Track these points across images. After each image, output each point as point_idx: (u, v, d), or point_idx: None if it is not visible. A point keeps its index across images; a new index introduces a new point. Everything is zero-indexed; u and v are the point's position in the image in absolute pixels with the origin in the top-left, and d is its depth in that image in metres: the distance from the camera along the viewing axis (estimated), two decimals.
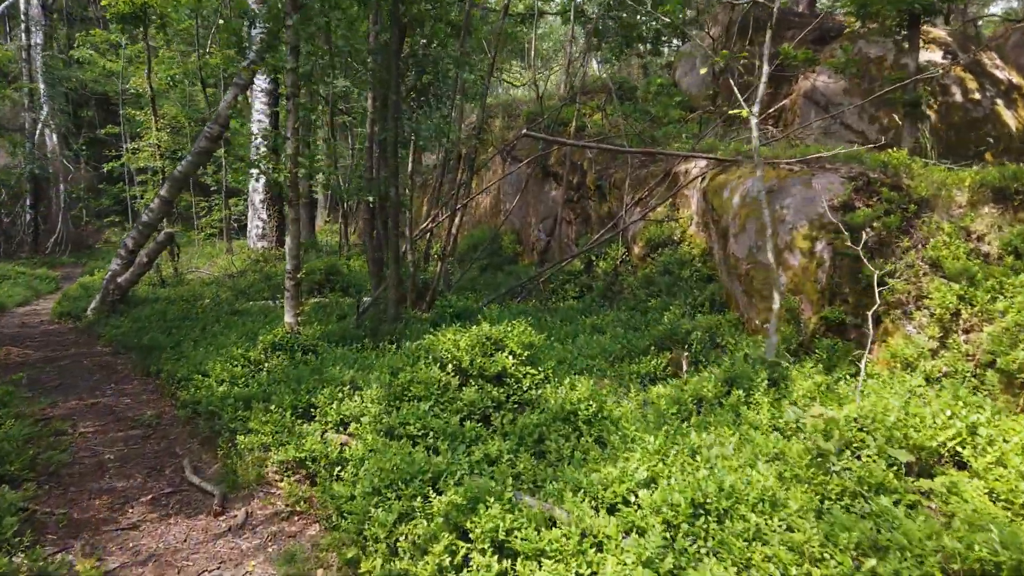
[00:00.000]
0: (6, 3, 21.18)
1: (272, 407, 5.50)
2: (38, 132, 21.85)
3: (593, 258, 11.22)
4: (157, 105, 19.63)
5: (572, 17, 16.60)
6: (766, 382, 5.18)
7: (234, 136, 15.90)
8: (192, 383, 6.71)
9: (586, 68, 15.16)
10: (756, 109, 6.15)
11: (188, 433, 6.10)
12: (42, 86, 21.03)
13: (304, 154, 10.15)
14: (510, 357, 4.89)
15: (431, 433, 4.49)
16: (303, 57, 11.41)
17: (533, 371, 4.90)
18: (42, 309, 14.27)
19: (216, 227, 20.16)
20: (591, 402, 4.62)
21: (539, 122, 14.86)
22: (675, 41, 19.29)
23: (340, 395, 5.55)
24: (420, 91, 8.72)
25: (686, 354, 6.59)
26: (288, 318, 7.43)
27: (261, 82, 17.35)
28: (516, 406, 4.74)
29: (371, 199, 9.54)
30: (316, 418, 5.37)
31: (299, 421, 5.40)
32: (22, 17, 20.27)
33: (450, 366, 4.86)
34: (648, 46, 18.84)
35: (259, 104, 17.38)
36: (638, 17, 17.50)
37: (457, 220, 10.56)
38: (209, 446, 5.74)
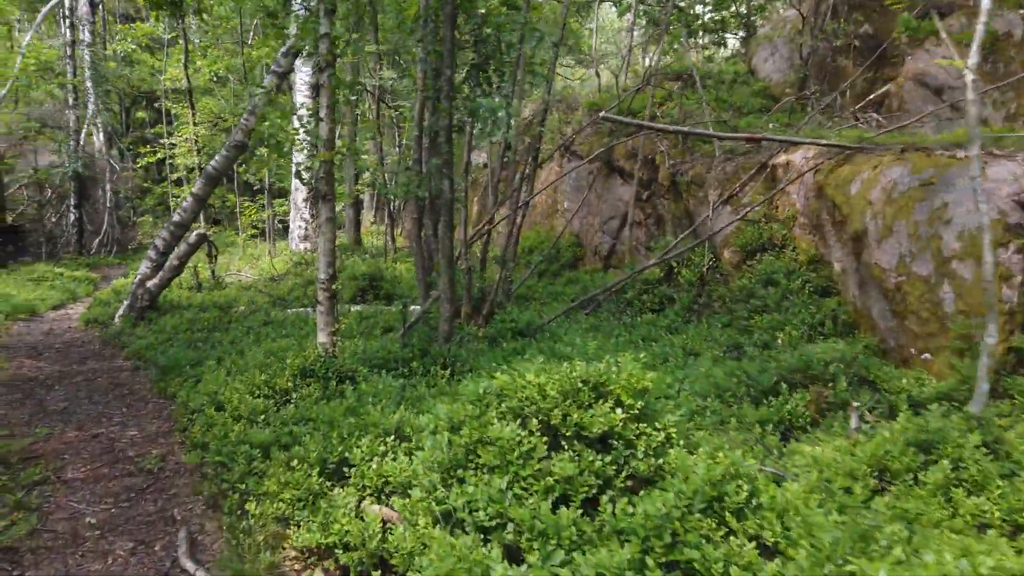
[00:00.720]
0: (52, 2, 20.68)
1: (295, 461, 4.17)
2: (84, 130, 21.29)
3: (674, 265, 9.67)
4: (197, 101, 18.79)
5: (634, 3, 15.07)
6: (980, 448, 3.63)
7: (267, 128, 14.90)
8: (204, 417, 5.45)
9: (654, 55, 13.63)
10: (973, 60, 4.47)
11: (193, 487, 4.82)
12: (88, 83, 20.45)
13: (345, 143, 8.90)
14: (617, 410, 3.47)
15: (510, 525, 3.09)
16: (347, 45, 10.17)
17: (650, 430, 3.47)
18: (74, 314, 13.39)
19: (259, 227, 19.20)
20: (740, 482, 3.16)
21: (607, 112, 13.36)
22: (739, 32, 17.59)
23: (382, 447, 4.19)
24: (477, 67, 7.34)
25: (826, 392, 5.04)
26: (321, 337, 6.12)
27: (303, 75, 16.27)
28: (630, 482, 3.32)
29: (420, 195, 8.21)
30: (350, 479, 4.02)
31: (328, 483, 4.06)
32: (66, 12, 19.68)
33: (534, 421, 3.46)
34: (712, 35, 17.21)
35: (301, 98, 16.29)
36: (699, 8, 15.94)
37: (519, 220, 9.15)
38: (215, 509, 4.44)
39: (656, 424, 3.61)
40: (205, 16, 13.94)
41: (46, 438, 5.87)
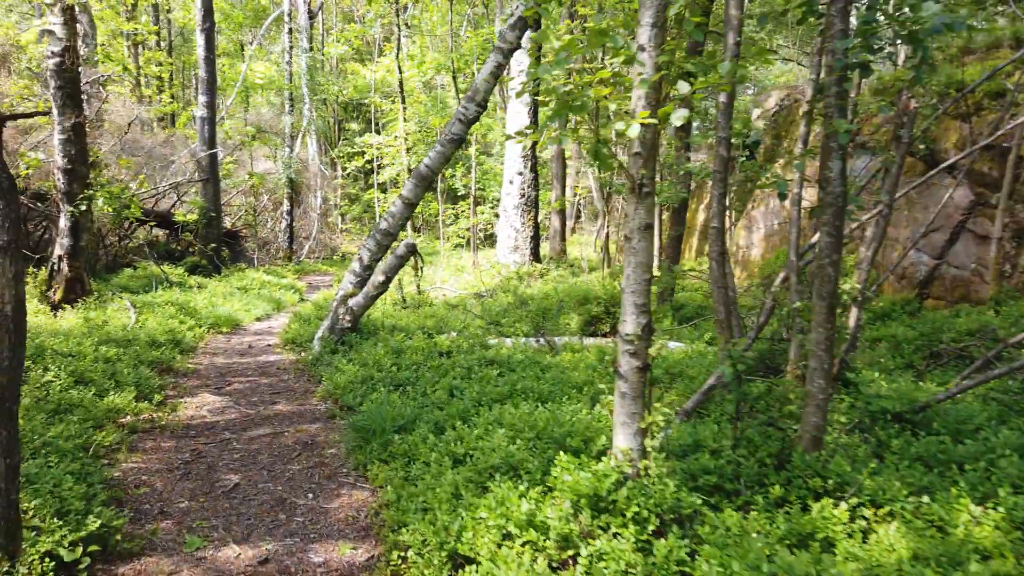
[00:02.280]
0: (276, 11, 20.74)
1: None
2: (300, 137, 21.10)
3: None
4: (407, 106, 17.42)
5: None
6: None
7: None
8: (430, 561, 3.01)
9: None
10: None
11: None
12: (304, 90, 20.19)
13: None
14: None
15: None
16: None
17: None
18: (277, 327, 12.19)
19: (463, 236, 17.46)
20: None
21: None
22: None
23: None
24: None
25: None
26: (622, 439, 3.40)
27: (522, 65, 14.15)
28: None
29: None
30: None
31: None
32: (286, 19, 19.45)
33: None
34: None
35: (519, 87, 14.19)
36: None
37: (877, 235, 5.92)
38: None
39: None
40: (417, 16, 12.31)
41: (195, 560, 3.78)
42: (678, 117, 3.01)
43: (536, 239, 14.26)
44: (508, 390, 5.87)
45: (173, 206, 17.57)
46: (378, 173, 18.61)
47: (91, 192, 10.30)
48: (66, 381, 6.16)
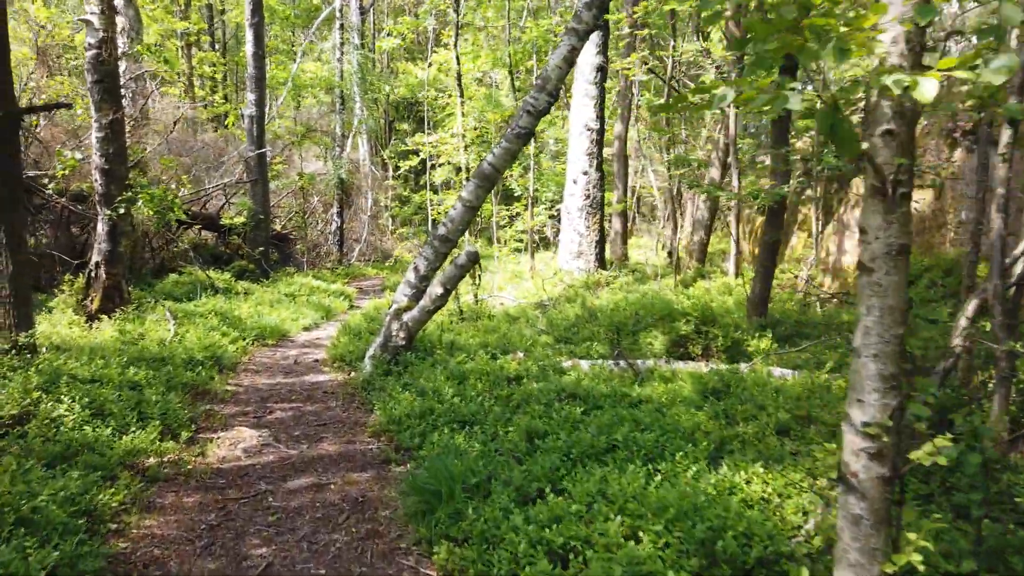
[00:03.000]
0: (328, 9, 19.99)
1: None
2: (351, 137, 20.31)
3: None
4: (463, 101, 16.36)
5: None
6: None
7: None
8: None
9: None
10: None
11: None
12: (355, 88, 19.38)
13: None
14: None
15: None
16: None
17: None
18: (325, 338, 11.26)
19: (520, 240, 16.32)
20: None
21: None
22: None
23: None
24: None
25: None
26: None
27: (587, 55, 12.94)
28: None
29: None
30: None
31: None
32: (338, 15, 18.66)
33: None
34: None
35: (584, 84, 12.97)
36: None
37: None
38: None
39: None
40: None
41: None
42: (1001, 67, 1.75)
43: (602, 244, 13.02)
44: (605, 442, 4.67)
45: (222, 208, 16.92)
46: (431, 173, 17.61)
47: (129, 194, 9.51)
48: (81, 416, 5.23)
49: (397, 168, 24.52)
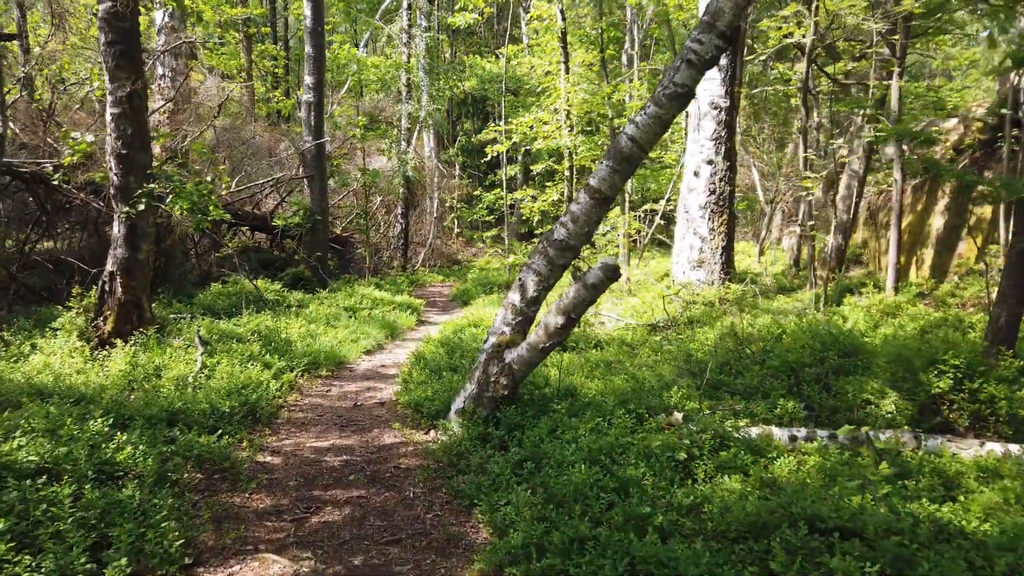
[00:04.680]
0: None
1: None
2: (416, 132, 18.12)
3: None
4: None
5: None
6: None
7: None
8: None
9: None
10: None
11: None
12: (422, 74, 17.16)
13: None
14: None
15: None
16: None
17: None
18: (391, 364, 8.96)
19: (617, 244, 13.67)
20: None
21: None
22: None
23: None
24: None
25: None
26: None
27: None
28: None
29: None
30: None
31: None
32: None
33: None
34: None
35: (708, 123, 10.21)
36: None
37: None
38: None
39: None
40: None
41: None
42: None
43: (729, 250, 10.32)
44: None
45: (277, 207, 14.89)
46: (506, 168, 15.18)
47: (153, 186, 7.36)
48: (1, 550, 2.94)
49: (465, 166, 22.30)
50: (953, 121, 14.21)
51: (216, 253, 11.78)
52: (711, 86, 10.08)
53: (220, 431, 5.29)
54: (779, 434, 4.94)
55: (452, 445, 5.12)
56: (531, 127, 8.40)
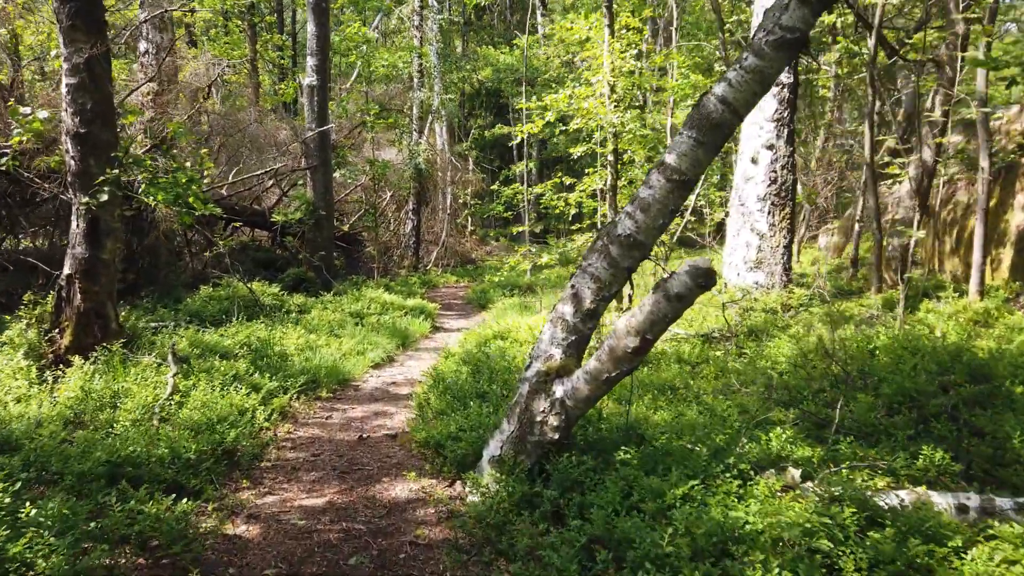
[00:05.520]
0: None
1: None
2: (428, 123, 16.78)
3: None
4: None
5: None
6: None
7: None
8: None
9: None
10: None
11: None
12: (434, 59, 15.82)
13: None
14: None
15: None
16: None
17: None
18: (403, 381, 7.63)
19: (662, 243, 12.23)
20: None
21: None
22: None
23: None
24: None
25: None
26: None
27: None
28: None
29: None
30: None
31: None
32: None
33: None
34: None
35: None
36: None
37: None
38: None
39: None
40: None
41: None
42: None
43: (790, 248, 8.92)
44: None
45: (278, 202, 13.59)
46: (528, 160, 13.79)
47: (116, 172, 6.04)
48: None
49: (477, 161, 20.98)
50: (1015, 109, 12.76)
51: (209, 252, 10.47)
52: None
53: (181, 488, 3.96)
54: (940, 502, 3.55)
55: (487, 510, 3.77)
56: (569, 100, 7.06)
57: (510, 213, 18.36)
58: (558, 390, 4.14)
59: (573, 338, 4.29)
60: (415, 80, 15.78)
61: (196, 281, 10.92)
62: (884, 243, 11.47)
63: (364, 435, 5.72)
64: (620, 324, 3.99)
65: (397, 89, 17.22)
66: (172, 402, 5.37)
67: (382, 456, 5.17)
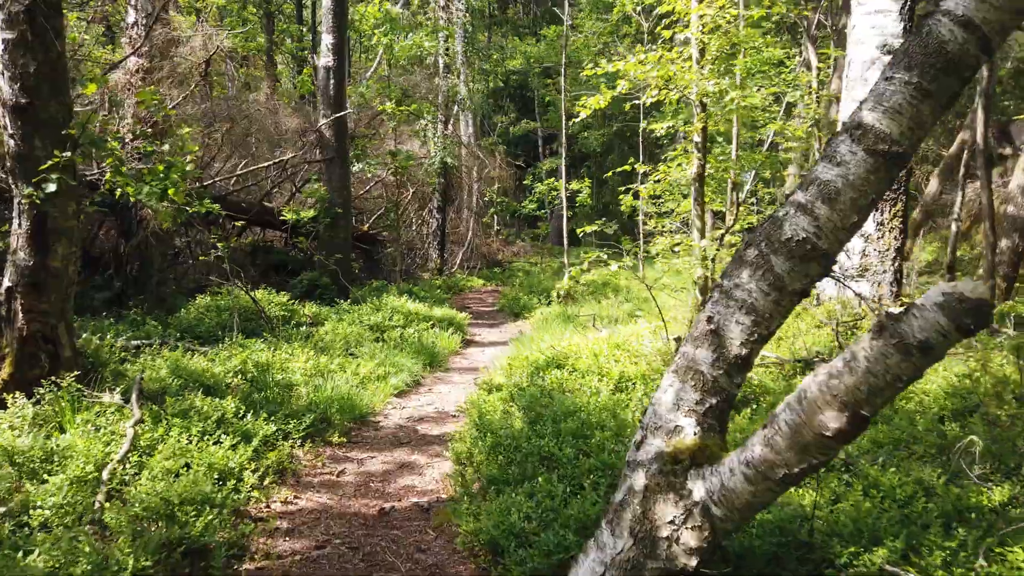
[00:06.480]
0: None
1: None
2: (454, 113, 15.28)
3: None
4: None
5: None
6: None
7: None
8: None
9: None
10: None
11: None
12: (459, 46, 14.34)
13: None
14: None
15: None
16: None
17: None
18: (433, 415, 6.12)
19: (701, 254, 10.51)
20: None
21: None
22: None
23: None
24: None
25: None
26: None
27: None
28: None
29: None
30: None
31: None
32: None
33: None
34: None
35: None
36: None
37: None
38: None
39: None
40: None
41: None
42: None
43: (901, 252, 7.24)
44: None
45: (291, 198, 12.15)
46: (563, 150, 12.18)
47: (68, 154, 4.57)
48: None
49: (506, 156, 19.46)
50: None
51: (210, 254, 9.03)
52: (884, 21, 7.01)
53: None
54: None
55: None
56: (657, 61, 5.37)
57: (544, 212, 16.83)
58: (697, 489, 2.56)
59: (713, 401, 2.71)
60: (440, 66, 14.27)
61: (199, 288, 9.50)
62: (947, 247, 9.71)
63: (387, 507, 4.19)
64: (812, 386, 2.40)
65: (423, 75, 15.72)
66: (128, 464, 3.89)
67: (412, 549, 3.63)
